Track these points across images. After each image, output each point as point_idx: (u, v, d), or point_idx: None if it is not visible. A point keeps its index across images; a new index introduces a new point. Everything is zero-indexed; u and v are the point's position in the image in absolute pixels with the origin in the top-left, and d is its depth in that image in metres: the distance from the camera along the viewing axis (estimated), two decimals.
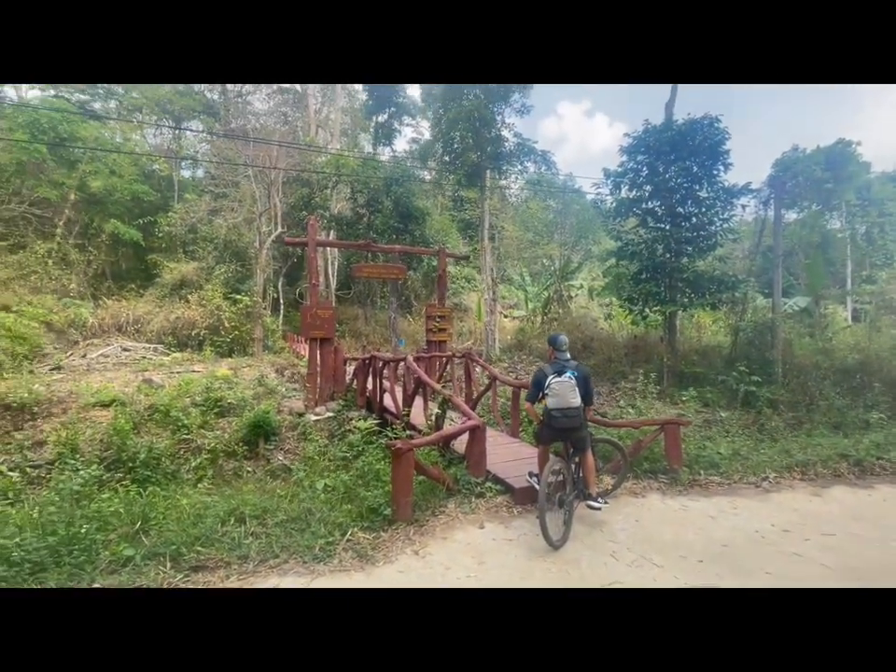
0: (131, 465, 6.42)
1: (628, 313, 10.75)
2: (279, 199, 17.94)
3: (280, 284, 19.59)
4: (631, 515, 4.26)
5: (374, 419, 7.00)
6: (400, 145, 29.08)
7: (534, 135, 74.55)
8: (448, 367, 8.93)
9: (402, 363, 7.38)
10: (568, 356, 4.01)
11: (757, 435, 7.04)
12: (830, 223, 17.09)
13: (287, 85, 28.63)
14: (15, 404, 7.66)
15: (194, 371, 10.80)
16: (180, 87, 24.62)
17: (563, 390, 3.76)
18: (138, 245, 18.90)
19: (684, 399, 7.94)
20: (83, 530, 3.37)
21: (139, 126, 22.83)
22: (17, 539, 3.15)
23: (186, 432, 7.37)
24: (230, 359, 13.32)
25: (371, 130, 24.35)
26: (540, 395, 3.91)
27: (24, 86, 22.73)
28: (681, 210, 9.68)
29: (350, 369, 9.88)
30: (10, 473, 5.98)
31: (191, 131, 24.70)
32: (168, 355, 14.04)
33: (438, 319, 10.33)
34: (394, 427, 5.86)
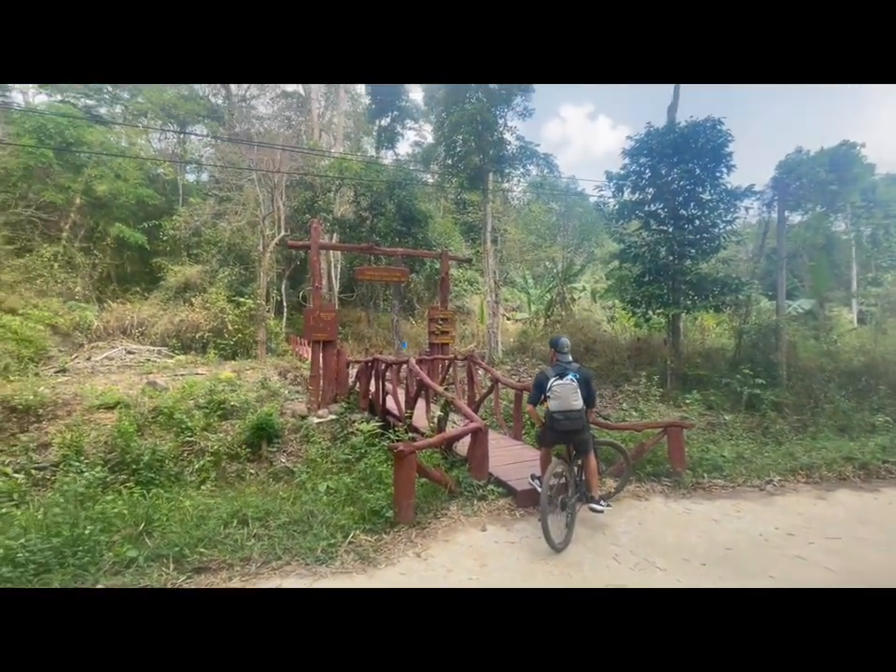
0: (134, 467, 6.45)
1: (631, 315, 10.73)
2: (282, 202, 18.04)
3: (283, 287, 19.67)
4: (634, 518, 4.24)
5: (377, 422, 7.01)
6: (403, 148, 29.16)
7: (536, 138, 74.64)
8: (451, 369, 8.93)
9: (405, 366, 7.39)
10: (570, 358, 4.01)
11: (761, 438, 7.00)
12: (834, 225, 16.99)
13: (291, 89, 28.86)
14: (20, 406, 7.72)
15: (198, 374, 10.85)
16: (185, 91, 24.86)
17: (565, 392, 3.76)
18: (143, 248, 19.04)
19: (688, 401, 7.91)
20: (87, 531, 3.39)
21: (144, 130, 23.02)
22: (22, 540, 3.17)
23: (189, 434, 7.41)
24: (233, 362, 13.37)
25: (374, 133, 24.47)
26: (542, 397, 3.91)
27: (31, 91, 23.03)
28: (684, 212, 9.67)
29: (353, 371, 9.90)
30: (16, 475, 6.02)
31: (196, 135, 24.90)
32: (172, 357, 14.12)
33: (440, 322, 10.35)
34: (396, 429, 5.86)
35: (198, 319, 15.95)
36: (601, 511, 3.93)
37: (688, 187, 9.51)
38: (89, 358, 13.38)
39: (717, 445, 6.20)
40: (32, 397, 7.86)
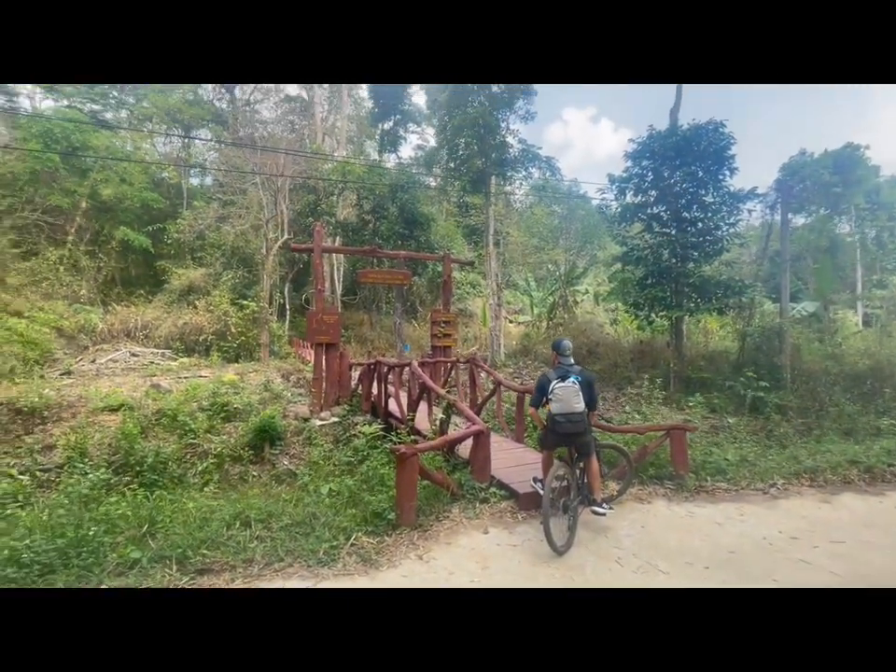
0: (138, 469, 6.47)
1: (634, 318, 10.71)
2: (286, 206, 18.14)
3: (286, 289, 19.75)
4: (636, 521, 4.23)
5: (379, 424, 7.02)
6: (406, 151, 29.35)
7: (539, 141, 74.79)
8: (453, 372, 8.93)
9: (407, 368, 7.40)
10: (572, 360, 4.01)
11: (765, 441, 6.97)
12: (838, 227, 16.94)
13: (294, 93, 29.05)
14: (26, 408, 7.77)
15: (201, 377, 10.89)
16: (190, 96, 25.07)
17: (566, 395, 3.76)
18: (147, 251, 19.17)
19: (691, 404, 7.89)
20: (91, 532, 3.41)
21: (149, 135, 23.22)
22: (27, 541, 3.19)
23: (192, 437, 7.43)
24: (236, 364, 13.42)
25: (377, 137, 24.60)
26: (544, 400, 3.91)
27: (38, 96, 23.28)
28: (687, 215, 9.67)
29: (355, 374, 9.91)
30: (21, 477, 6.05)
31: (200, 140, 25.09)
32: (176, 360, 14.18)
33: (443, 325, 10.36)
34: (399, 431, 5.87)
35: (201, 322, 16.03)
36: (603, 514, 3.92)
37: (690, 189, 9.51)
38: (93, 361, 13.46)
39: (720, 448, 6.18)
40: (37, 399, 7.91)
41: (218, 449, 7.24)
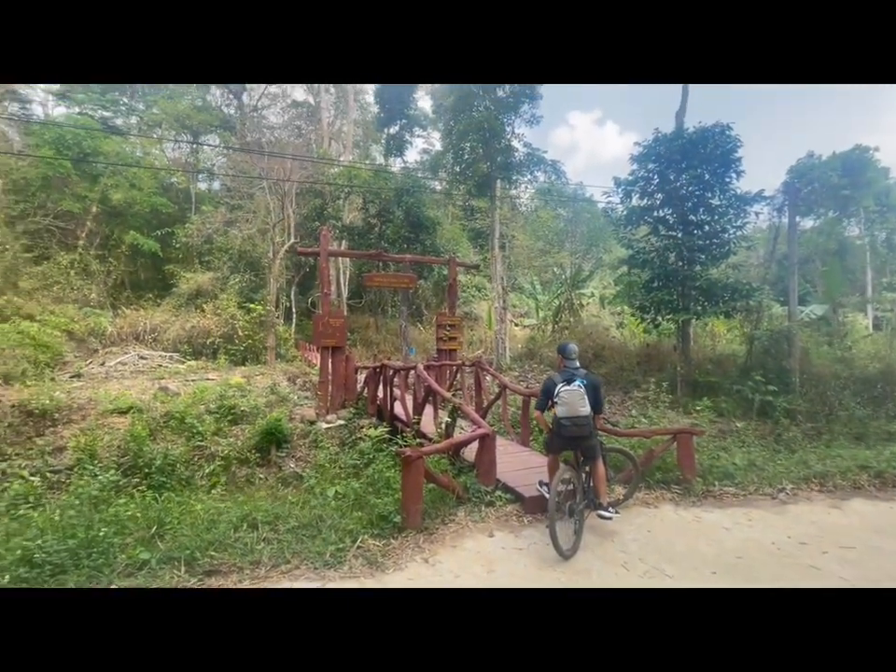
0: (147, 471, 6.53)
1: (640, 321, 10.67)
2: (292, 210, 18.29)
3: (293, 293, 19.89)
4: (643, 526, 4.21)
5: (385, 427, 7.04)
6: (411, 155, 29.49)
7: (544, 145, 74.86)
8: (458, 375, 8.94)
9: (413, 372, 7.42)
10: (578, 364, 4.01)
11: (774, 446, 6.90)
12: (848, 230, 16.77)
13: (301, 98, 29.35)
14: (37, 411, 7.87)
15: (209, 379, 10.98)
16: (198, 102, 25.40)
17: (572, 399, 3.76)
18: (156, 255, 19.40)
19: (698, 408, 7.83)
20: (101, 534, 3.45)
21: (159, 141, 23.53)
22: (39, 542, 3.24)
23: (200, 439, 7.49)
24: (243, 367, 13.52)
25: (383, 141, 24.73)
26: (550, 403, 3.91)
27: (51, 103, 23.69)
28: (693, 218, 9.63)
29: (361, 377, 9.95)
30: (32, 478, 6.12)
31: (209, 145, 25.39)
32: (183, 363, 14.31)
33: (448, 328, 10.38)
34: (404, 435, 5.88)
35: (209, 325, 16.16)
36: (610, 519, 3.90)
37: (697, 192, 9.47)
38: (103, 364, 13.62)
39: (728, 453, 6.13)
40: (48, 401, 8.01)
41: (226, 451, 7.29)
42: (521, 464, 5.39)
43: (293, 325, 19.18)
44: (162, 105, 22.81)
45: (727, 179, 9.24)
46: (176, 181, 22.52)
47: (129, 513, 3.98)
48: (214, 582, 3.18)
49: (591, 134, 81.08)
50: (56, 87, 22.57)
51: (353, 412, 8.79)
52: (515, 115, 13.75)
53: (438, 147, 25.44)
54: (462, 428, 6.28)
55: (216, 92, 29.03)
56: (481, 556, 3.59)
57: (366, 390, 9.32)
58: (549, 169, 15.47)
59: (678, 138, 9.38)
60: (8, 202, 16.91)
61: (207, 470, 6.89)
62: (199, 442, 7.44)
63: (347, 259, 19.86)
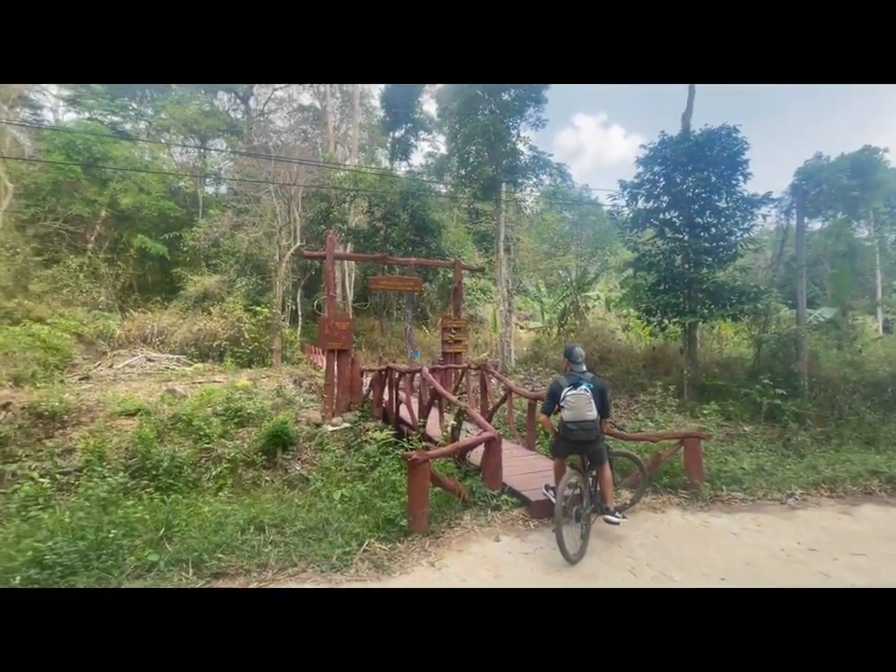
0: (154, 473, 6.59)
1: (646, 324, 10.62)
2: (298, 213, 18.42)
3: (298, 296, 19.99)
4: (650, 531, 4.18)
5: (390, 430, 7.05)
6: (417, 159, 29.67)
7: (550, 148, 74.85)
8: (464, 378, 8.94)
9: (418, 375, 7.43)
10: (584, 368, 4.00)
11: (782, 450, 6.83)
12: (857, 232, 16.63)
13: (308, 103, 29.58)
14: (47, 413, 7.96)
15: (215, 382, 11.06)
16: (206, 107, 25.67)
17: (579, 403, 3.75)
18: (164, 258, 19.61)
19: (705, 412, 7.77)
20: (111, 535, 3.48)
21: (167, 146, 23.80)
22: (49, 543, 3.27)
23: (207, 441, 7.55)
24: (249, 370, 13.59)
25: (388, 145, 24.89)
26: (556, 407, 3.90)
27: (61, 109, 24.04)
28: (700, 220, 9.59)
29: (367, 380, 9.98)
30: (41, 479, 6.19)
31: (216, 150, 25.64)
32: (190, 365, 14.41)
33: (453, 331, 10.39)
34: (410, 438, 5.88)
35: (215, 328, 16.29)
36: (617, 523, 3.88)
37: (703, 195, 9.43)
38: (111, 366, 13.75)
39: (736, 457, 6.08)
40: (57, 403, 8.10)
41: (232, 454, 7.34)
42: (527, 468, 5.37)
43: (299, 327, 19.28)
44: (171, 110, 23.08)
45: (734, 181, 9.20)
46: (184, 185, 22.75)
47: (137, 515, 4.01)
48: (222, 585, 3.19)
49: (596, 137, 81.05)
50: (67, 92, 22.93)
51: (358, 414, 8.81)
52: (520, 118, 13.79)
53: (443, 150, 25.56)
54: (468, 432, 6.28)
55: (223, 97, 29.36)
56: (487, 561, 3.58)
57: (371, 393, 9.34)
58: (554, 172, 15.47)
59: (684, 141, 9.36)
60: (20, 206, 17.17)
61: (214, 473, 6.94)
62: (206, 445, 7.49)
63: (353, 263, 19.94)
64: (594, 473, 4.00)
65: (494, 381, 8.43)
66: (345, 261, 19.01)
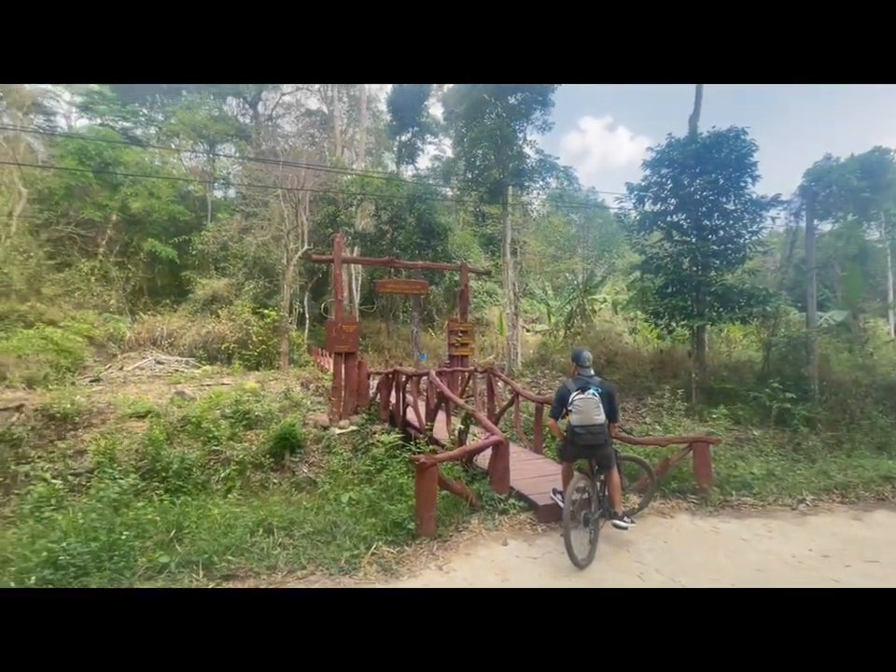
0: (164, 474, 6.65)
1: (654, 327, 10.56)
2: (306, 217, 18.53)
3: (306, 299, 20.10)
4: (659, 536, 4.15)
5: (397, 433, 7.07)
6: (423, 162, 29.72)
7: (556, 150, 74.97)
8: (470, 381, 8.94)
9: (425, 378, 7.45)
10: (592, 372, 4.00)
11: (793, 455, 6.76)
12: (868, 234, 16.43)
13: (315, 107, 29.82)
14: (59, 414, 8.07)
15: (223, 384, 11.15)
16: (215, 112, 25.95)
17: (586, 407, 3.74)
18: (173, 262, 19.80)
19: (714, 416, 7.71)
20: (123, 537, 3.52)
21: (176, 150, 24.09)
22: (63, 544, 3.32)
23: (216, 444, 7.60)
24: (257, 373, 13.69)
25: (395, 149, 24.99)
26: (564, 411, 3.90)
27: (74, 115, 24.43)
28: (708, 223, 9.53)
29: (373, 383, 10.01)
30: (54, 481, 6.27)
31: (225, 155, 25.92)
32: (199, 368, 14.54)
33: (460, 334, 10.40)
34: (417, 441, 5.90)
35: (224, 331, 16.42)
36: (625, 528, 3.87)
37: (711, 197, 9.38)
38: (121, 368, 13.90)
39: (745, 461, 6.02)
40: (69, 405, 8.21)
41: (240, 456, 7.39)
42: (534, 471, 5.36)
43: (306, 330, 19.37)
44: (180, 116, 23.36)
45: (742, 184, 9.14)
46: (193, 190, 22.99)
47: (148, 517, 4.06)
48: (231, 587, 3.22)
49: (602, 139, 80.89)
50: (79, 99, 23.29)
51: (365, 417, 8.84)
52: (527, 121, 13.79)
53: (449, 153, 25.65)
54: (475, 435, 6.28)
55: (232, 102, 29.67)
56: (495, 565, 3.58)
57: (378, 396, 9.37)
58: (561, 175, 15.46)
59: (691, 143, 9.32)
60: (33, 211, 17.44)
61: (223, 475, 6.99)
62: (214, 447, 7.55)
63: (359, 266, 20.03)
64: (602, 477, 3.98)
65: (500, 384, 8.42)
66: (352, 265, 19.09)
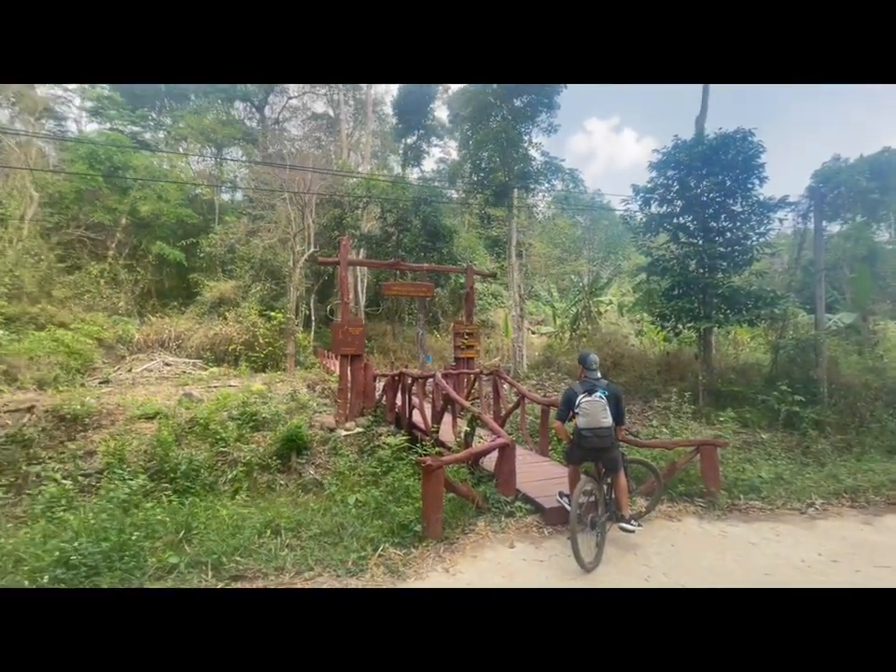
0: (172, 475, 6.70)
1: (660, 329, 10.51)
2: (312, 220, 18.66)
3: (312, 301, 20.22)
4: (666, 539, 4.13)
5: (403, 435, 7.09)
6: (428, 165, 29.84)
7: (561, 152, 74.79)
8: (476, 384, 8.95)
9: (431, 380, 7.46)
10: (599, 374, 3.99)
11: (801, 458, 6.70)
12: (877, 235, 16.26)
13: (321, 111, 30.02)
14: (69, 416, 8.17)
15: (231, 386, 11.23)
16: (222, 116, 26.21)
17: (593, 409, 3.74)
18: (181, 264, 20.01)
19: (721, 419, 7.66)
20: (133, 537, 3.56)
21: (185, 154, 24.35)
22: (75, 544, 3.36)
23: (223, 445, 7.65)
24: (263, 374, 13.77)
25: (401, 152, 25.11)
26: (570, 414, 3.90)
27: (84, 119, 24.77)
28: (714, 225, 9.49)
29: (379, 385, 10.04)
30: (64, 481, 6.35)
31: (233, 160, 26.15)
32: (206, 369, 14.65)
33: (465, 336, 10.41)
34: (423, 443, 5.91)
35: (231, 333, 16.55)
36: (632, 531, 3.85)
37: (718, 199, 9.35)
38: (130, 370, 14.05)
39: (753, 465, 5.98)
40: (79, 406, 8.31)
41: (248, 458, 7.43)
42: (540, 474, 5.35)
43: (312, 332, 19.49)
44: (188, 120, 23.64)
45: (749, 185, 9.10)
46: (201, 193, 23.23)
47: (158, 518, 4.10)
48: (240, 588, 3.24)
49: (608, 141, 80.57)
50: (90, 104, 23.63)
51: (371, 419, 8.86)
52: (532, 124, 13.81)
53: (455, 156, 25.71)
54: (481, 437, 6.28)
55: (239, 106, 29.98)
56: (501, 567, 3.58)
57: (384, 398, 9.39)
58: (566, 177, 15.52)
59: (698, 144, 9.29)
60: (44, 214, 17.69)
61: (230, 476, 7.04)
62: (222, 448, 7.60)
63: (365, 268, 20.12)
64: (608, 481, 3.98)
65: (506, 386, 8.42)
66: (358, 267, 19.18)
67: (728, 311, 9.25)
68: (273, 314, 16.53)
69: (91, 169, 17.99)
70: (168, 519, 4.14)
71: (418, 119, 21.97)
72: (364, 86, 27.11)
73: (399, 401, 8.58)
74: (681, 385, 9.17)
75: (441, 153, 30.68)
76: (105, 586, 3.12)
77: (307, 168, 18.34)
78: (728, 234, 9.40)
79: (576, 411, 3.82)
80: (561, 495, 4.38)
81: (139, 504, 4.63)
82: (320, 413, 9.63)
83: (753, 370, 9.99)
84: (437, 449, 5.76)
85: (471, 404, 6.98)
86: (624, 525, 3.84)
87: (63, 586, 3.09)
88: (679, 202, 9.74)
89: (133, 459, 7.15)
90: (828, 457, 6.67)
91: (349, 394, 9.14)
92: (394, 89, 26.18)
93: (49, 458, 7.32)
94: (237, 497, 6.06)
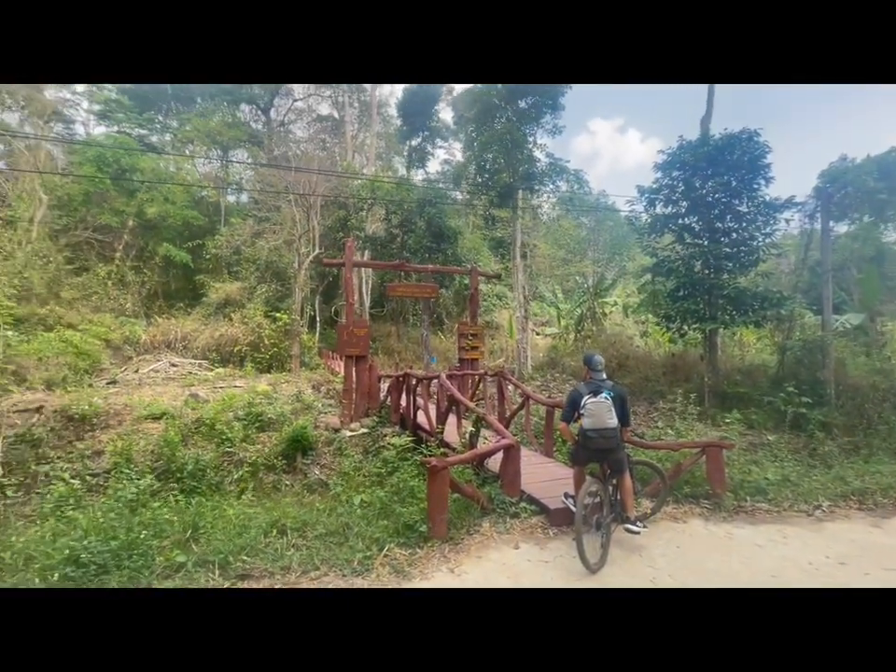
0: (179, 475, 6.76)
1: (665, 330, 10.47)
2: (317, 221, 18.74)
3: (317, 302, 20.29)
4: (672, 541, 4.12)
5: (408, 436, 7.10)
6: (433, 166, 29.89)
7: (566, 153, 74.77)
8: (481, 385, 8.95)
9: (435, 381, 7.48)
10: (604, 375, 3.99)
11: (808, 460, 6.65)
12: (885, 235, 16.13)
13: (326, 113, 30.16)
14: (77, 416, 8.25)
15: (236, 387, 11.29)
16: (228, 119, 26.40)
17: (599, 411, 3.74)
18: (187, 266, 20.14)
19: (727, 420, 7.62)
20: (141, 536, 3.60)
21: (191, 157, 24.53)
22: (84, 543, 3.40)
23: (229, 445, 7.71)
24: (269, 375, 13.84)
25: (405, 153, 25.18)
26: (576, 415, 3.90)
27: (92, 122, 25.01)
28: (720, 225, 9.45)
29: (384, 386, 10.06)
30: (72, 481, 6.41)
31: (238, 162, 26.31)
32: (212, 370, 14.74)
33: (470, 337, 10.42)
34: (428, 444, 5.93)
35: (236, 334, 16.65)
36: (637, 533, 3.85)
37: (723, 199, 9.30)
38: (137, 371, 14.16)
39: (760, 467, 5.94)
40: (87, 407, 8.39)
41: (253, 458, 7.48)
42: (545, 475, 5.35)
43: (317, 333, 19.54)
44: (195, 123, 23.80)
45: (755, 186, 9.05)
46: (207, 195, 23.38)
47: (165, 517, 4.13)
48: (246, 587, 3.27)
49: (612, 142, 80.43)
50: (97, 107, 23.86)
51: (376, 420, 8.89)
52: (537, 125, 13.81)
53: (459, 157, 25.76)
54: (486, 438, 6.29)
55: (244, 109, 30.17)
56: (506, 568, 3.58)
57: (389, 399, 9.42)
58: (571, 178, 15.52)
59: (703, 145, 9.26)
60: (53, 217, 17.88)
61: (236, 476, 7.09)
62: (228, 448, 7.66)
63: (370, 269, 20.17)
64: (614, 482, 3.97)
65: (511, 387, 8.42)
66: (363, 268, 19.23)
67: (734, 312, 9.20)
68: (278, 315, 16.60)
69: (99, 172, 18.17)
70: (175, 518, 4.18)
71: (423, 121, 22.05)
72: (368, 88, 27.25)
73: (403, 402, 8.60)
74: (687, 386, 9.13)
75: (445, 155, 30.75)
76: (114, 584, 3.16)
77: (312, 170, 18.42)
78: (734, 235, 9.34)
79: (581, 412, 3.82)
80: (566, 496, 4.38)
81: (147, 503, 4.68)
82: (325, 413, 9.66)
83: (759, 371, 9.92)
84: (442, 450, 5.77)
85: (476, 405, 6.99)
86: (630, 526, 3.83)
87: (72, 584, 3.13)
88: (685, 202, 9.70)
89: (141, 459, 7.22)
90: (835, 459, 6.62)
91: (354, 395, 9.18)
92: (398, 91, 26.29)
93: (58, 458, 7.41)
94: (243, 496, 6.11)
